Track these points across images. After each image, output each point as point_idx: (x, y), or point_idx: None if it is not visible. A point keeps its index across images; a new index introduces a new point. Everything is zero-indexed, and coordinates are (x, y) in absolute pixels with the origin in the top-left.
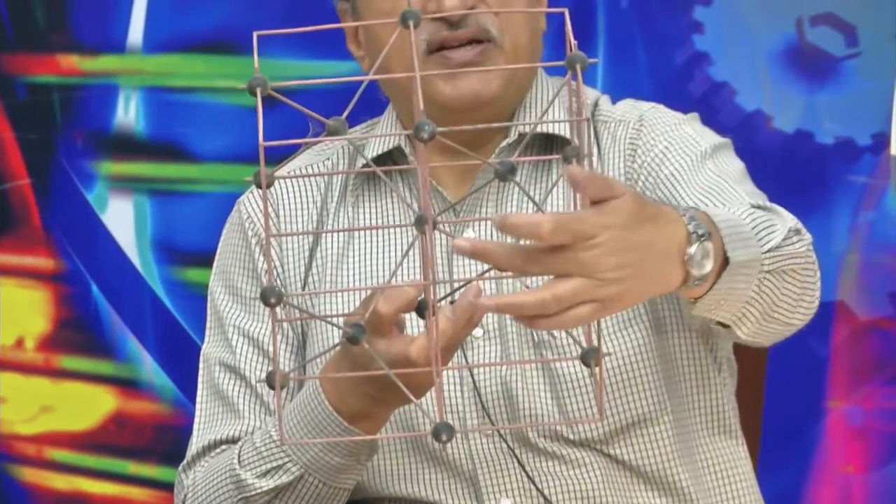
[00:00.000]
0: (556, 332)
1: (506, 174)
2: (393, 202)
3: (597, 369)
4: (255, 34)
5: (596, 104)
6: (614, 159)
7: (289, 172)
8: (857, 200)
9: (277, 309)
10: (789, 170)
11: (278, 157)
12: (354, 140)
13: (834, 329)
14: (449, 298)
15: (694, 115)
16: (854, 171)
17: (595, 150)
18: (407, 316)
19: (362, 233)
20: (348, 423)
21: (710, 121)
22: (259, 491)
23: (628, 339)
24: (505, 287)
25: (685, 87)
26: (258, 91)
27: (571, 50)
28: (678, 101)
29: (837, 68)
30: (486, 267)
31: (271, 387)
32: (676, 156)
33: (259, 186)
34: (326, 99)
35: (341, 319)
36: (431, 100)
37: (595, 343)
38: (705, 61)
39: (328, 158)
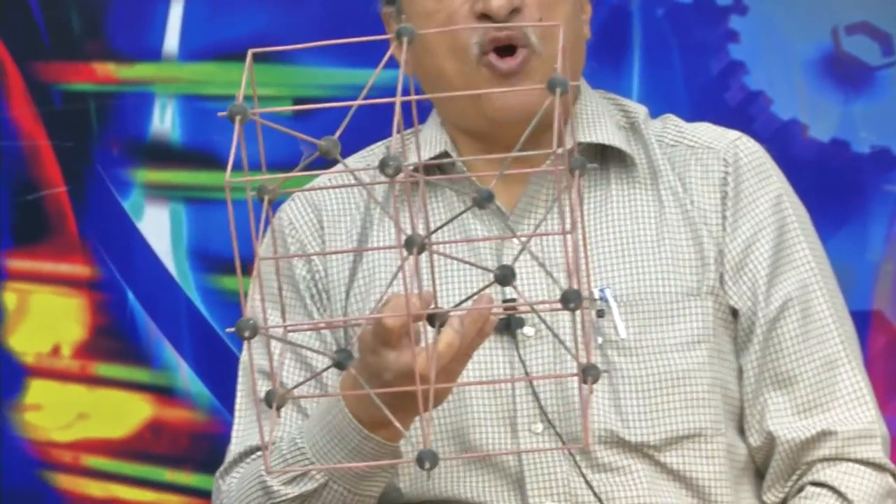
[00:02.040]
0: (622, 334)
1: (483, 202)
2: (440, 208)
3: (585, 388)
4: (249, 52)
5: (664, 123)
6: (708, 192)
7: (329, 181)
8: (893, 209)
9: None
10: (825, 179)
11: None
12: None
13: (870, 338)
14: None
15: (783, 179)
16: (890, 180)
17: (665, 170)
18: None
19: None
20: (369, 430)
21: (746, 130)
22: (285, 497)
23: (692, 357)
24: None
25: (721, 96)
26: (237, 119)
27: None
28: (714, 110)
29: (873, 77)
30: (490, 280)
31: (269, 405)
32: (787, 279)
33: (261, 200)
34: (359, 113)
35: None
36: (479, 109)
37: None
38: (741, 70)
39: (369, 165)
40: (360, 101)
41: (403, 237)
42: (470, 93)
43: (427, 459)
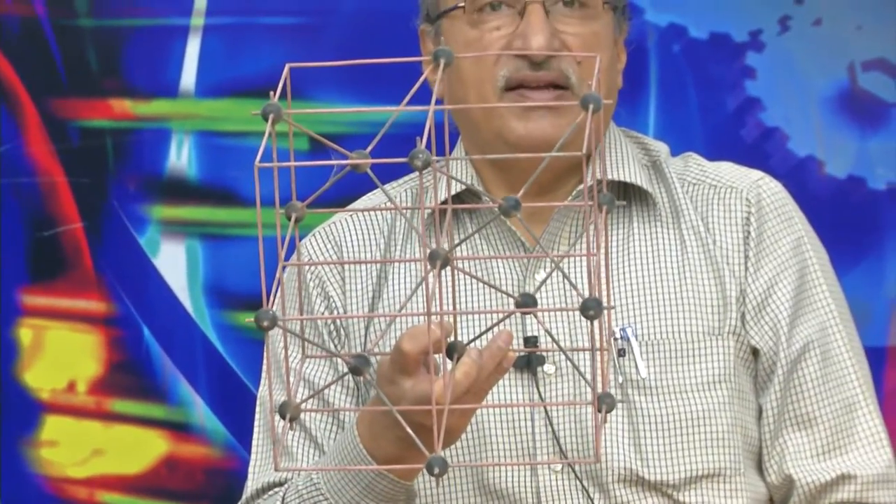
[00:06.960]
0: (643, 373)
1: (509, 210)
2: (463, 244)
3: (598, 414)
4: (287, 66)
5: (686, 161)
6: (730, 232)
7: (351, 212)
8: None
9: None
10: (841, 215)
11: (327, 199)
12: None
13: (886, 375)
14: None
15: (804, 221)
16: None
17: (687, 210)
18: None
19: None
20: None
21: (762, 166)
22: None
23: (713, 396)
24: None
25: (737, 132)
26: (270, 118)
27: (593, 89)
28: (730, 146)
29: (889, 113)
30: (510, 310)
31: (283, 417)
32: (807, 322)
33: (288, 219)
34: (384, 142)
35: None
36: (502, 136)
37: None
38: (757, 107)
39: (393, 199)
40: (400, 108)
41: (427, 252)
42: (504, 105)
43: (436, 465)
